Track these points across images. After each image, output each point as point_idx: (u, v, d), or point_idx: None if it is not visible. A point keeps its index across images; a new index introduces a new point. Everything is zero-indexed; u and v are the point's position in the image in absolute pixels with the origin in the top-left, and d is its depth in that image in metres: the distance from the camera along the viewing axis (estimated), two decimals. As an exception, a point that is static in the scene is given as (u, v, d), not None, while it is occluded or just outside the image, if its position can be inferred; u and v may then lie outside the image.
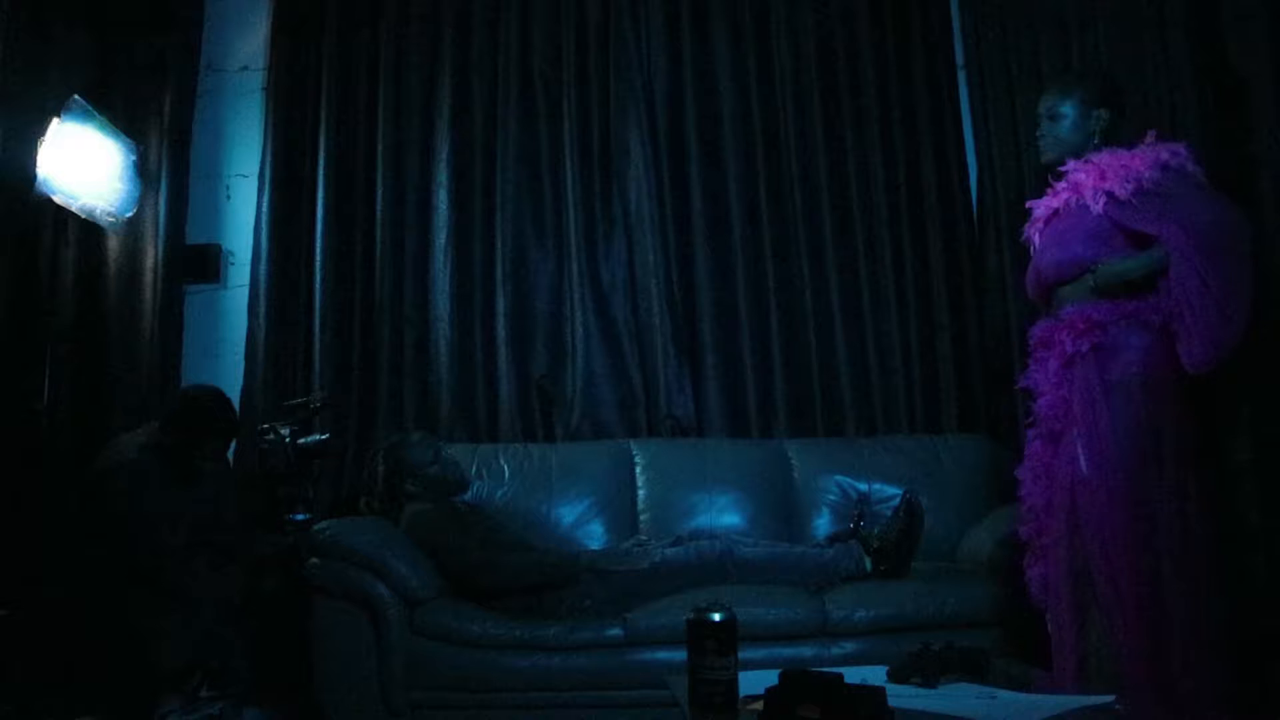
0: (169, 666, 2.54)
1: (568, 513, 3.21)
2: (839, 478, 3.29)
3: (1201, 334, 2.06)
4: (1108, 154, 2.27)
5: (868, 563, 2.78)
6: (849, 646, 2.59)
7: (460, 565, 2.75)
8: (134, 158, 3.20)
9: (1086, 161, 2.29)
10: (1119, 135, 2.34)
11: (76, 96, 2.89)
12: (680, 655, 1.76)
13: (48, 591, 2.59)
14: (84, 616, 2.53)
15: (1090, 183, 2.24)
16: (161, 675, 2.54)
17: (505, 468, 3.28)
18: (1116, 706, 1.79)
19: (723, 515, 3.19)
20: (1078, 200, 2.28)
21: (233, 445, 3.42)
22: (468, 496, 3.16)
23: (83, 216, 3.01)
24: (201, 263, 3.63)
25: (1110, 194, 2.20)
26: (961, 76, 3.76)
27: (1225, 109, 2.40)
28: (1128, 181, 2.18)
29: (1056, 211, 2.36)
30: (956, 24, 3.79)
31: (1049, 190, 2.39)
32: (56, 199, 2.85)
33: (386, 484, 3.00)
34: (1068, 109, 2.35)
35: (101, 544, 2.60)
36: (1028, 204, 2.45)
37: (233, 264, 3.69)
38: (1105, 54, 2.89)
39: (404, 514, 2.92)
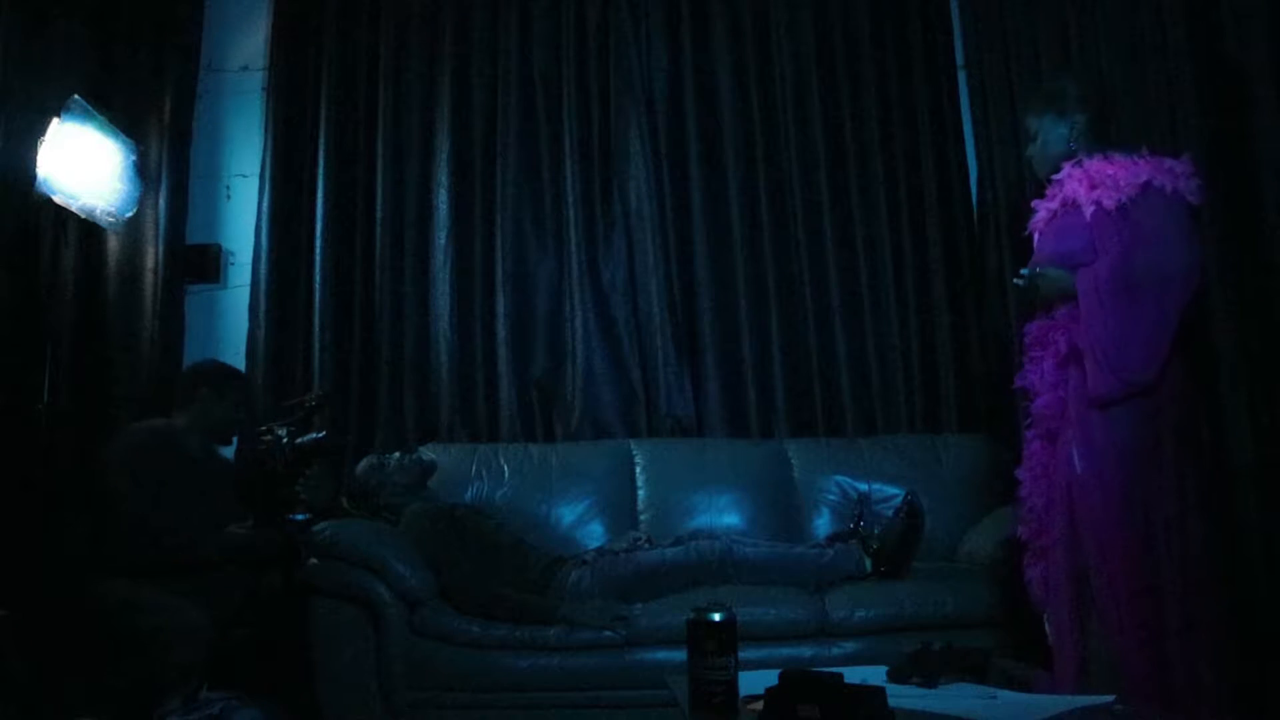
0: (172, 666, 2.53)
1: (568, 513, 3.22)
2: (839, 478, 3.30)
3: (1095, 374, 2.12)
4: (1101, 161, 2.28)
5: (868, 563, 2.78)
6: (849, 646, 2.59)
7: (450, 584, 2.73)
8: (134, 158, 3.20)
9: (1078, 165, 2.31)
10: (1107, 133, 2.37)
11: (76, 96, 2.89)
12: (680, 655, 1.76)
13: (48, 591, 2.59)
14: (84, 616, 2.53)
15: (1083, 191, 2.26)
16: (162, 675, 2.53)
17: (505, 468, 3.28)
18: (1116, 707, 1.79)
19: (723, 515, 3.19)
20: (1074, 202, 2.29)
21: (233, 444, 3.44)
22: (468, 496, 3.17)
23: (83, 216, 3.00)
24: (201, 263, 3.64)
25: (1098, 203, 2.22)
26: (961, 76, 3.76)
27: (1225, 108, 2.40)
28: (1113, 193, 2.21)
29: (1055, 213, 2.37)
30: (956, 24, 3.80)
31: (1048, 190, 2.40)
32: (56, 199, 2.84)
33: (368, 510, 3.00)
34: (1044, 125, 2.40)
35: (127, 515, 2.63)
36: (1033, 203, 2.47)
37: (233, 264, 3.69)
38: (1105, 54, 2.88)
39: (403, 514, 2.92)
